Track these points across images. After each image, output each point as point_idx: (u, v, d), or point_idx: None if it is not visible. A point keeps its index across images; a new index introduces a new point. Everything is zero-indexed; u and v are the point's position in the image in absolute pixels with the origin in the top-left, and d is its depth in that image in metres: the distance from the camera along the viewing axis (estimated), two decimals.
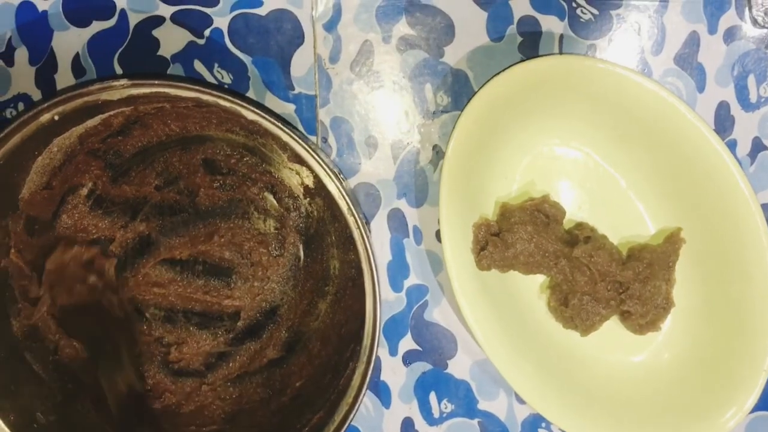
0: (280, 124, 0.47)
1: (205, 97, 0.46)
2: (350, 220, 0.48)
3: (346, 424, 0.50)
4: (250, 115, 0.46)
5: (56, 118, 0.47)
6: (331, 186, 0.48)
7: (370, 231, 0.55)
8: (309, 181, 0.56)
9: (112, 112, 0.51)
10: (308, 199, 0.58)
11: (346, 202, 0.48)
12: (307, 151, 0.47)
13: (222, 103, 0.46)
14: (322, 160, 0.48)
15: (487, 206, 0.56)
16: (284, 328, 0.59)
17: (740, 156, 0.57)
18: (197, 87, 0.46)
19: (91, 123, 0.51)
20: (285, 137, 0.47)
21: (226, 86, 0.56)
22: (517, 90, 0.52)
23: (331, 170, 0.48)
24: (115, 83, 0.46)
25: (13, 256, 0.53)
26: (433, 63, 0.56)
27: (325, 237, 0.58)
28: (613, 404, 0.55)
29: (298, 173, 0.57)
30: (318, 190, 0.57)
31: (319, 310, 0.59)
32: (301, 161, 0.48)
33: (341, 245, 0.57)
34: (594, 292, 0.54)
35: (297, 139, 0.47)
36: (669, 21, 0.55)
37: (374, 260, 0.48)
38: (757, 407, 0.53)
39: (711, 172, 0.52)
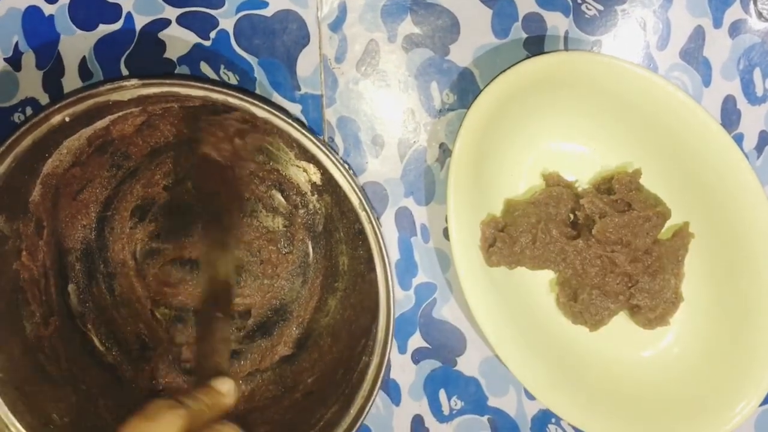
0: (290, 121, 0.47)
1: (214, 96, 0.46)
2: (362, 214, 0.48)
3: (363, 417, 0.50)
4: (260, 113, 0.46)
5: (67, 119, 0.47)
6: (342, 181, 0.48)
7: (381, 225, 0.55)
8: (316, 178, 0.56)
9: (120, 113, 0.51)
10: (316, 195, 0.58)
11: (358, 197, 0.48)
12: (318, 147, 0.47)
13: (231, 101, 0.46)
14: (333, 156, 0.48)
15: (495, 203, 0.57)
16: (295, 325, 0.59)
17: (747, 150, 0.57)
18: (207, 86, 0.46)
19: (99, 124, 0.52)
20: (295, 134, 0.47)
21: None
22: (523, 87, 0.52)
23: (341, 165, 0.48)
24: (126, 83, 0.46)
25: (24, 259, 0.53)
26: (438, 61, 0.56)
27: (334, 233, 0.58)
28: (622, 399, 0.55)
29: (305, 170, 0.57)
30: (326, 187, 0.57)
31: (329, 306, 0.59)
32: (310, 158, 0.48)
33: (350, 241, 0.57)
34: (603, 285, 0.54)
35: (307, 135, 0.47)
36: (674, 16, 0.55)
37: (387, 253, 0.48)
38: (767, 400, 0.53)
39: (718, 166, 0.52)
